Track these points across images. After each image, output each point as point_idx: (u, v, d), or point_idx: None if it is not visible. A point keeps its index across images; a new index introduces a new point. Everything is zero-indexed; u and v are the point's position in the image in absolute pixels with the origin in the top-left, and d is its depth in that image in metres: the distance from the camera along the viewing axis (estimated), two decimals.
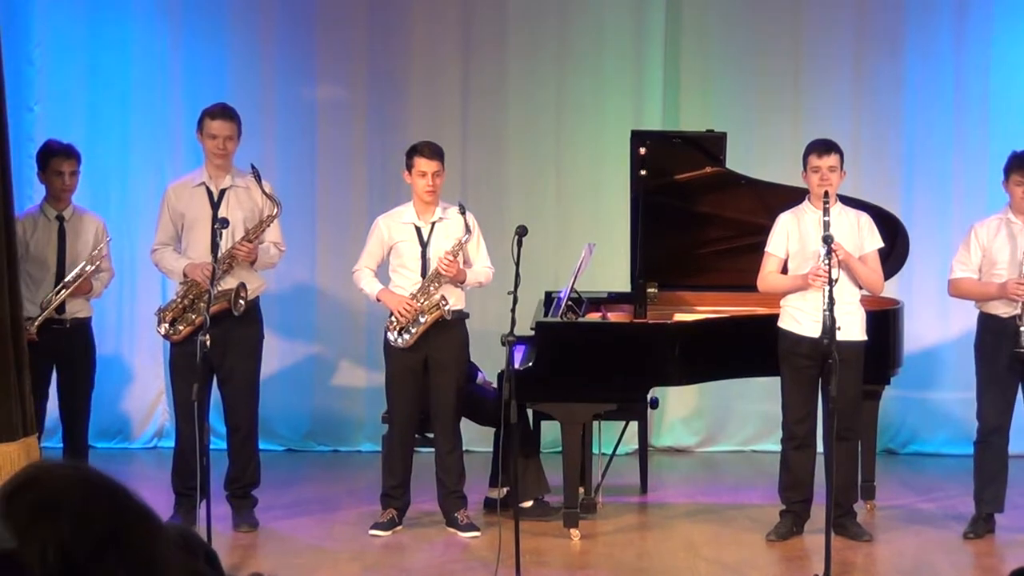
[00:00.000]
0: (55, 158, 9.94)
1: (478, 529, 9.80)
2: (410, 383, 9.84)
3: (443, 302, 9.64)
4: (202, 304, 9.30)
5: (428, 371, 9.84)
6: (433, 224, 9.76)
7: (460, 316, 9.83)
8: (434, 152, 9.74)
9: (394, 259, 9.87)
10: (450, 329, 9.76)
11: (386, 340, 9.86)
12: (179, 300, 9.68)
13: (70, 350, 9.90)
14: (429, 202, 9.77)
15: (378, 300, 9.88)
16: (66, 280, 9.80)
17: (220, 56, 12.72)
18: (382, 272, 9.98)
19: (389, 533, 9.80)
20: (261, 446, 10.36)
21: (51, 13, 12.70)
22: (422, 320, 9.65)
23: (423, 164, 9.69)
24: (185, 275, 9.63)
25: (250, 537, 9.80)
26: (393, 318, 9.74)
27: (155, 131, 12.70)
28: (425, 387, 9.88)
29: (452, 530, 9.85)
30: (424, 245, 9.75)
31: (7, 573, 1.94)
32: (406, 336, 9.68)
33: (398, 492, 9.91)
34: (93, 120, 12.69)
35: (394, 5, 12.78)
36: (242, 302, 9.49)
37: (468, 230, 9.72)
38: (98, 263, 9.96)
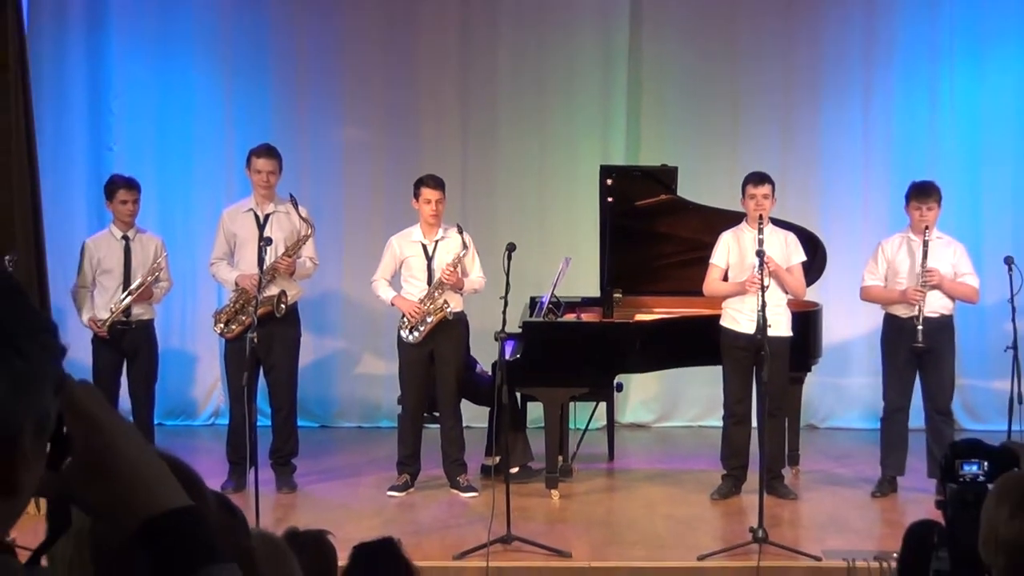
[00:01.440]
0: (120, 190, 10.01)
1: (476, 490, 9.86)
2: (419, 372, 9.94)
3: (445, 305, 9.75)
4: (250, 308, 9.43)
5: (434, 362, 9.93)
6: (436, 242, 9.86)
7: (460, 317, 9.94)
8: (437, 183, 9.86)
9: (404, 271, 9.97)
10: (452, 328, 9.86)
11: (399, 337, 9.95)
12: (231, 305, 9.81)
13: (135, 346, 9.94)
14: (433, 224, 9.88)
15: (392, 304, 9.97)
16: (130, 288, 9.87)
17: (265, 104, 12.73)
18: (395, 281, 10.04)
19: (403, 494, 9.90)
20: (299, 423, 10.42)
21: (126, 69, 12.72)
22: (428, 320, 9.73)
23: (427, 193, 9.81)
24: (236, 284, 9.75)
25: (290, 498, 9.84)
26: (405, 319, 9.83)
27: (213, 166, 12.71)
28: (431, 375, 9.97)
29: (455, 491, 9.93)
30: (429, 259, 9.84)
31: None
32: (415, 334, 9.78)
33: (411, 460, 10.02)
34: (161, 157, 12.70)
35: (405, 60, 12.79)
36: (283, 306, 9.62)
37: (465, 246, 9.83)
38: (157, 274, 10.01)
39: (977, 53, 12.67)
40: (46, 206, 12.17)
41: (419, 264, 9.90)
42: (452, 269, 9.74)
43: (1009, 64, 12.65)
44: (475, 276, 10.00)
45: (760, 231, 9.18)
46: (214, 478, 9.82)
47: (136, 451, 1.67)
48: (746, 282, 9.32)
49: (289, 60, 12.86)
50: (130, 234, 10.03)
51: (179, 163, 12.73)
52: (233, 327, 9.72)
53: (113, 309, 9.82)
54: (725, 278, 9.66)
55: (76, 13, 12.66)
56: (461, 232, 9.88)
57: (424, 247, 9.89)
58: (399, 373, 10.12)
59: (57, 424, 1.60)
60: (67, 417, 1.62)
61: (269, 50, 12.85)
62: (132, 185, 10.09)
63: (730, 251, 9.65)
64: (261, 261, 9.59)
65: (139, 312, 9.96)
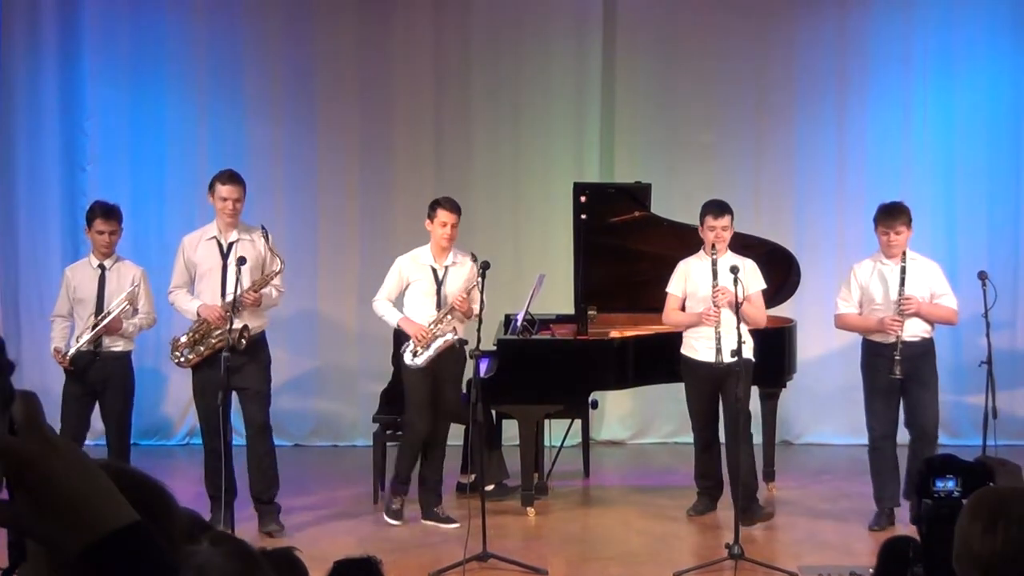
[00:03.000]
0: (96, 219, 9.58)
1: (456, 521, 9.55)
2: (425, 394, 9.61)
3: (453, 333, 9.51)
4: (211, 339, 9.23)
5: (436, 384, 9.67)
6: (447, 267, 9.59)
7: (463, 343, 9.60)
8: (454, 207, 9.55)
9: (410, 293, 9.66)
10: (456, 354, 9.58)
11: (401, 359, 9.65)
12: (190, 335, 9.39)
13: (104, 378, 9.50)
14: (445, 248, 9.58)
15: (398, 327, 9.70)
16: (97, 319, 9.49)
17: (239, 127, 12.72)
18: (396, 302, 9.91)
19: (402, 522, 9.60)
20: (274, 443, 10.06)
21: (100, 90, 12.70)
22: (436, 345, 9.45)
23: (444, 216, 9.50)
24: (198, 314, 9.37)
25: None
26: (410, 342, 9.54)
27: (186, 188, 12.64)
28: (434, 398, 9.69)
29: (429, 522, 9.69)
30: (439, 284, 9.57)
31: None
32: (420, 359, 9.48)
33: (408, 483, 9.69)
34: (135, 178, 12.69)
35: (378, 80, 12.80)
36: (244, 341, 9.13)
37: (480, 276, 9.39)
38: (128, 305, 9.56)
39: (949, 70, 12.73)
40: (20, 225, 12.22)
41: (427, 288, 9.60)
42: (464, 296, 9.47)
43: (981, 78, 12.73)
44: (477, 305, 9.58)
45: (714, 263, 9.12)
46: (191, 499, 9.78)
47: (75, 474, 1.65)
48: (702, 315, 9.24)
49: (263, 82, 12.85)
50: (107, 263, 9.64)
51: (152, 184, 12.70)
52: (191, 357, 9.37)
53: (78, 339, 9.49)
54: (684, 307, 9.55)
55: (49, 34, 12.63)
56: (475, 260, 9.57)
57: (434, 271, 9.60)
58: (405, 395, 9.73)
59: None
60: (1, 456, 1.62)
61: (242, 72, 12.84)
62: (110, 215, 9.65)
63: (687, 280, 9.53)
64: (225, 287, 9.28)
65: (110, 343, 9.56)
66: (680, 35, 12.84)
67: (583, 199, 10.45)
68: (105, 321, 9.47)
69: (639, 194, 10.70)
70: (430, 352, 9.46)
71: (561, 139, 12.82)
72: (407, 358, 9.54)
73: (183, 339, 9.42)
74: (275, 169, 12.33)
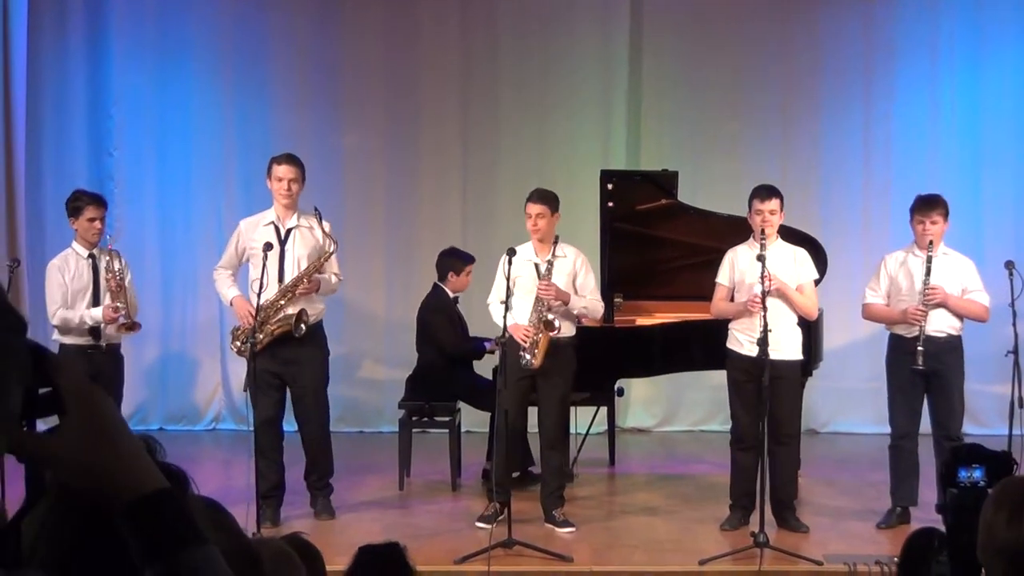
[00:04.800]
0: (88, 207, 9.31)
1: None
2: (523, 391, 9.25)
3: (555, 324, 8.99)
4: (270, 327, 8.97)
5: (535, 387, 9.29)
6: (550, 261, 9.08)
7: (570, 342, 9.24)
8: (540, 197, 9.22)
9: (516, 290, 9.05)
10: (561, 351, 9.18)
11: (509, 362, 8.92)
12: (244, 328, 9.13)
13: (96, 371, 9.04)
14: (543, 240, 9.16)
15: (508, 333, 8.86)
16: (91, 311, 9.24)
17: (264, 110, 12.78)
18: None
19: (493, 525, 8.76)
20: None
21: (126, 75, 12.78)
22: (538, 342, 9.03)
23: (528, 207, 9.20)
24: (232, 304, 9.23)
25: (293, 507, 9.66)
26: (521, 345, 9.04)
27: (211, 171, 12.77)
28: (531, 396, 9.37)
29: (549, 525, 9.23)
30: (542, 279, 9.09)
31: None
32: (528, 358, 9.01)
33: (508, 484, 9.21)
34: (161, 163, 12.79)
35: (405, 68, 12.84)
36: (303, 326, 8.98)
37: (576, 266, 9.25)
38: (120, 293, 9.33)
39: (976, 58, 12.76)
40: (48, 208, 12.28)
41: (530, 285, 9.12)
42: (546, 284, 9.00)
43: (1008, 68, 12.74)
44: (590, 296, 9.32)
45: (763, 247, 8.73)
46: (215, 484, 9.83)
47: (125, 430, 1.71)
48: (748, 302, 8.82)
49: (289, 68, 12.91)
50: (96, 253, 9.38)
51: (178, 168, 12.80)
52: (240, 345, 9.13)
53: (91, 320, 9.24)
54: (733, 298, 9.18)
55: (76, 21, 12.71)
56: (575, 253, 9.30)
57: (536, 266, 9.16)
58: (497, 393, 9.08)
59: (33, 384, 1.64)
60: (64, 388, 1.66)
61: (268, 58, 12.90)
62: (101, 202, 9.47)
63: (733, 269, 9.16)
64: (283, 272, 9.09)
65: (110, 336, 9.36)
66: (706, 24, 12.85)
67: (610, 187, 10.48)
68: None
69: (666, 182, 10.69)
70: (537, 351, 9.06)
71: (588, 127, 12.85)
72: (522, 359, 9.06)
73: (241, 329, 9.18)
74: (301, 158, 12.36)
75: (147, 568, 1.66)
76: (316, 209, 9.21)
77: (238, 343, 9.19)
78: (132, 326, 9.35)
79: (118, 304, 9.27)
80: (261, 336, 8.94)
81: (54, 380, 1.65)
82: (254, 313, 8.88)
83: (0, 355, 1.58)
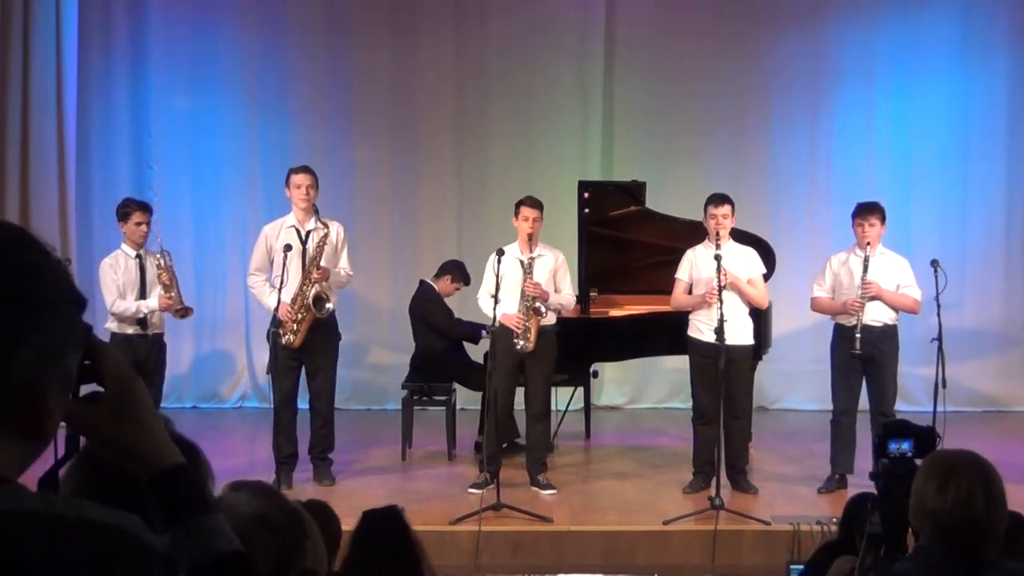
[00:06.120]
0: (135, 212, 9.30)
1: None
2: (511, 372, 9.28)
3: (542, 314, 9.11)
4: (293, 324, 9.04)
5: (523, 368, 9.31)
6: (532, 259, 9.14)
7: (552, 329, 9.33)
8: (534, 203, 9.22)
9: (503, 285, 9.08)
10: (545, 337, 9.24)
11: (500, 347, 8.96)
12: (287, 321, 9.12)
13: (139, 361, 8.95)
14: (532, 240, 9.17)
15: (500, 323, 8.94)
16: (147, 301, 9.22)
17: (284, 127, 12.73)
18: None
19: (483, 491, 8.84)
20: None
21: (164, 95, 12.73)
22: (529, 327, 9.08)
23: (525, 211, 9.18)
24: (275, 312, 9.08)
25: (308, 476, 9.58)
26: (515, 332, 9.10)
27: (238, 181, 12.74)
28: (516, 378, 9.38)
29: (535, 488, 9.27)
30: (527, 275, 9.14)
31: None
32: (523, 342, 9.06)
33: (496, 458, 9.13)
34: (195, 174, 12.74)
35: (407, 87, 12.81)
36: (326, 305, 9.05)
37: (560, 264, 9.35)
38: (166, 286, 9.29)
39: (908, 82, 12.83)
40: (95, 216, 12.26)
41: (517, 279, 9.15)
42: (533, 284, 9.06)
43: (934, 91, 12.83)
44: (566, 292, 9.42)
45: (718, 247, 8.86)
46: (242, 456, 9.82)
47: (152, 413, 1.77)
48: (706, 294, 8.95)
49: (306, 90, 12.87)
50: (142, 253, 9.36)
51: (210, 179, 12.75)
52: (296, 331, 9.07)
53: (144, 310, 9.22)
54: (690, 292, 9.27)
55: (121, 48, 12.67)
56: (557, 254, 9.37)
57: (522, 263, 9.15)
58: (488, 375, 8.92)
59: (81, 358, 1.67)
60: (104, 365, 1.71)
61: (288, 82, 12.86)
62: (146, 208, 9.48)
63: (692, 266, 9.26)
64: (306, 267, 9.07)
65: (156, 326, 9.36)
66: (672, 56, 12.84)
67: (586, 195, 10.50)
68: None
69: (635, 191, 10.69)
70: (531, 336, 9.10)
71: (567, 143, 12.82)
72: (516, 344, 9.11)
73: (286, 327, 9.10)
74: (316, 168, 12.30)
75: (167, 531, 1.71)
76: (313, 204, 9.26)
77: (289, 335, 9.08)
78: (186, 311, 9.38)
79: (172, 294, 9.28)
80: (296, 334, 9.08)
81: (98, 362, 1.71)
82: (293, 316, 9.04)
83: (64, 321, 1.60)
